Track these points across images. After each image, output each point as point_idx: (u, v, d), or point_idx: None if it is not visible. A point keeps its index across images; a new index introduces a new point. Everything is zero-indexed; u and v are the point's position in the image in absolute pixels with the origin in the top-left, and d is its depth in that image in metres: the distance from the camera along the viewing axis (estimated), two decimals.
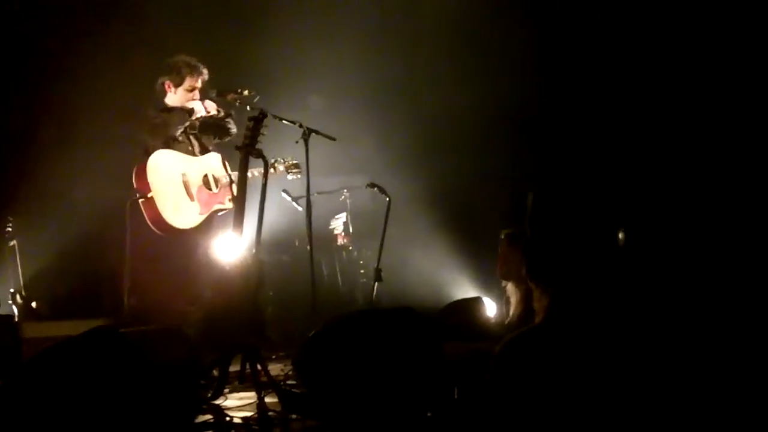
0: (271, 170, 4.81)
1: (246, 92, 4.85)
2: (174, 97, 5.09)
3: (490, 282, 5.62)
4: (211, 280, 4.52)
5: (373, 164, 7.09)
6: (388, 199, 5.59)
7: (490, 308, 4.63)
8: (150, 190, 4.81)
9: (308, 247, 5.08)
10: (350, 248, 7.06)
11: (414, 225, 7.12)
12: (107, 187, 6.22)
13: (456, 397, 3.18)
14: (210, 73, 5.14)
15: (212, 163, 5.13)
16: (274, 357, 5.22)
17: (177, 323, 4.55)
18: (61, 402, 2.88)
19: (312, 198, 5.09)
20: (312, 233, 5.09)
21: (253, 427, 3.45)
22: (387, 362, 3.25)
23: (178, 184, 4.95)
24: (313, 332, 3.61)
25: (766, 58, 5.33)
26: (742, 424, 2.08)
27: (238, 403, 3.90)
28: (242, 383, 4.17)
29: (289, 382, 4.24)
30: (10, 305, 6.02)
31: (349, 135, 6.02)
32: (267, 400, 3.74)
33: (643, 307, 2.24)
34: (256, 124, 4.32)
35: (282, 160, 5.33)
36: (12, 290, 6.06)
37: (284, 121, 4.94)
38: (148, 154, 4.92)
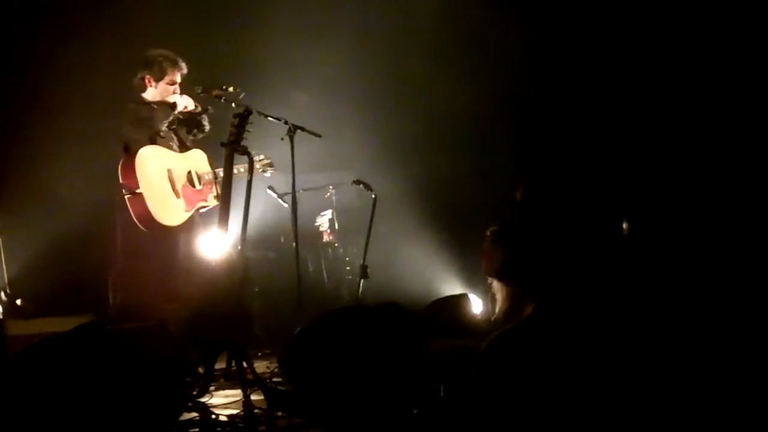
0: (238, 171, 4.77)
1: (231, 89, 4.83)
2: (154, 92, 5.04)
3: (477, 278, 5.64)
4: (196, 277, 4.52)
5: (359, 161, 7.10)
6: (374, 195, 5.60)
7: (476, 305, 4.65)
8: (138, 186, 4.74)
9: (294, 244, 5.08)
10: (336, 245, 7.07)
11: (400, 222, 7.14)
12: (92, 185, 6.20)
13: (442, 394, 3.19)
14: (195, 70, 5.12)
15: (196, 160, 5.11)
16: (259, 354, 5.22)
17: (162, 320, 4.54)
18: (47, 399, 2.87)
19: (298, 195, 5.10)
20: (297, 230, 5.09)
21: (239, 424, 3.45)
22: (372, 359, 3.26)
23: (165, 180, 4.92)
24: (298, 329, 3.61)
25: (762, 48, 5.35)
26: (731, 420, 2.10)
27: (223, 401, 3.90)
28: (228, 380, 4.18)
29: (275, 379, 4.25)
30: None
31: (334, 132, 6.02)
32: (253, 397, 3.74)
33: (629, 303, 2.26)
34: (242, 120, 4.31)
35: (257, 159, 5.27)
36: None
37: (269, 118, 4.93)
38: (129, 149, 4.86)
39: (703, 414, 2.08)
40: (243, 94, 4.81)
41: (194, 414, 3.61)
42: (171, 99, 5.03)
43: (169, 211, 4.87)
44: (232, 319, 4.07)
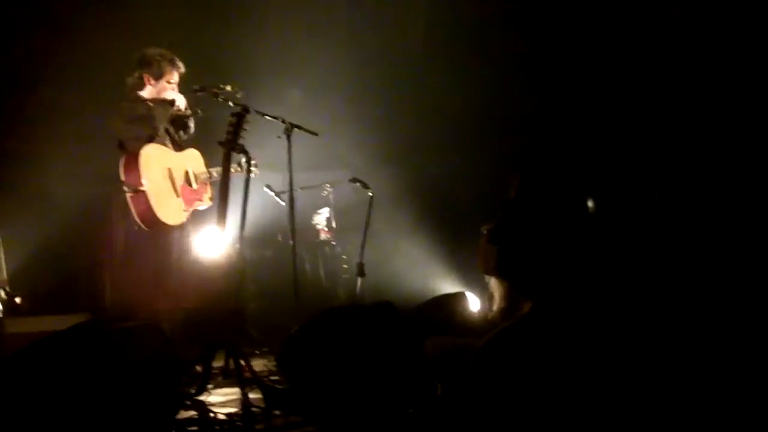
0: (235, 170, 4.76)
1: (228, 87, 4.82)
2: (152, 90, 5.03)
3: (474, 277, 5.64)
4: (193, 275, 4.52)
5: (356, 159, 7.10)
6: (370, 194, 5.60)
7: (474, 303, 4.64)
8: (141, 184, 4.72)
9: (291, 242, 5.08)
10: (333, 243, 7.07)
11: (397, 220, 7.14)
12: (88, 183, 6.21)
13: (439, 393, 3.20)
14: (192, 69, 5.12)
15: (192, 159, 5.11)
16: (257, 352, 5.21)
17: (157, 319, 4.54)
18: (43, 398, 2.87)
19: (294, 193, 5.10)
20: (295, 228, 5.08)
21: (237, 423, 3.46)
22: (369, 358, 3.27)
23: (166, 178, 4.91)
24: (295, 328, 3.61)
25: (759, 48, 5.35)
26: (728, 417, 2.11)
27: (221, 399, 3.90)
28: (226, 379, 4.18)
29: (272, 377, 4.25)
30: None
31: (331, 130, 6.03)
32: (250, 395, 3.74)
33: (624, 300, 2.26)
34: (239, 119, 4.31)
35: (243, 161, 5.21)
36: None
37: (266, 117, 4.93)
38: (125, 147, 4.85)
39: (700, 412, 2.09)
40: (240, 93, 4.81)
41: (192, 412, 3.61)
42: (170, 95, 5.02)
43: (171, 209, 4.87)
44: (228, 318, 4.08)
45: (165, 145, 5.02)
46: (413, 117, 7.25)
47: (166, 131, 5.10)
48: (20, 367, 2.94)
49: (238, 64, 6.61)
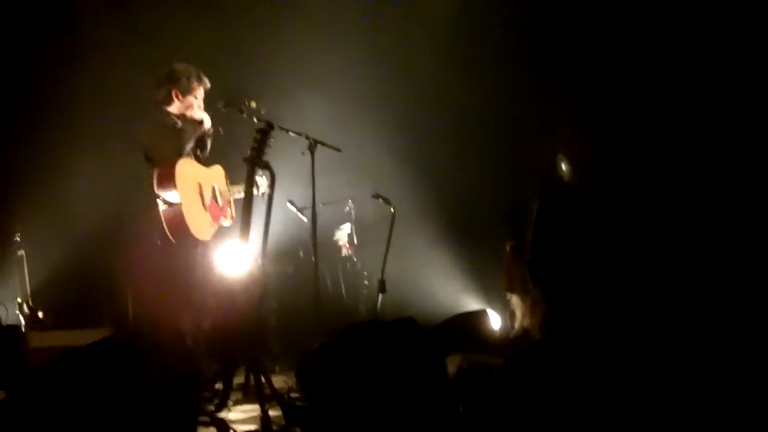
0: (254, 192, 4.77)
1: (253, 104, 4.84)
2: (180, 106, 5.04)
3: (496, 294, 5.62)
4: (216, 291, 4.53)
5: (378, 175, 7.10)
6: (392, 210, 5.59)
7: (495, 321, 4.62)
8: (177, 197, 4.72)
9: (312, 258, 5.07)
10: (354, 259, 7.06)
11: (419, 236, 7.12)
12: (111, 199, 6.26)
13: (461, 412, 3.17)
14: (216, 85, 5.15)
15: (217, 176, 5.13)
16: (277, 369, 5.22)
17: (181, 334, 4.55)
18: (66, 413, 2.88)
19: (317, 209, 5.10)
20: (316, 244, 5.08)
21: None
22: (390, 375, 3.25)
23: (197, 193, 4.92)
24: (316, 344, 3.60)
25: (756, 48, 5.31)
26: None
27: (241, 416, 3.91)
28: (246, 396, 4.18)
29: (292, 394, 4.24)
30: (17, 315, 6.05)
31: (354, 146, 6.03)
32: (271, 412, 3.74)
33: (649, 320, 2.23)
34: (263, 136, 4.34)
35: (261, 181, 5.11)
36: (19, 300, 6.09)
37: (290, 133, 4.94)
38: (154, 161, 4.88)
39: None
40: (264, 109, 4.83)
41: (213, 429, 3.61)
42: (198, 115, 5.03)
43: (201, 224, 4.87)
44: (250, 334, 4.08)
45: (192, 156, 5.05)
46: (436, 132, 7.24)
47: (191, 149, 5.12)
48: (44, 381, 2.95)
49: (262, 79, 6.65)
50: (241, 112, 4.84)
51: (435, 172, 7.21)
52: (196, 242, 4.85)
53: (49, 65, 6.75)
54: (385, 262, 5.48)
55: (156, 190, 4.75)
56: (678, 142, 5.63)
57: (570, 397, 1.98)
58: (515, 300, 4.18)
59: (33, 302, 6.12)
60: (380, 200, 5.70)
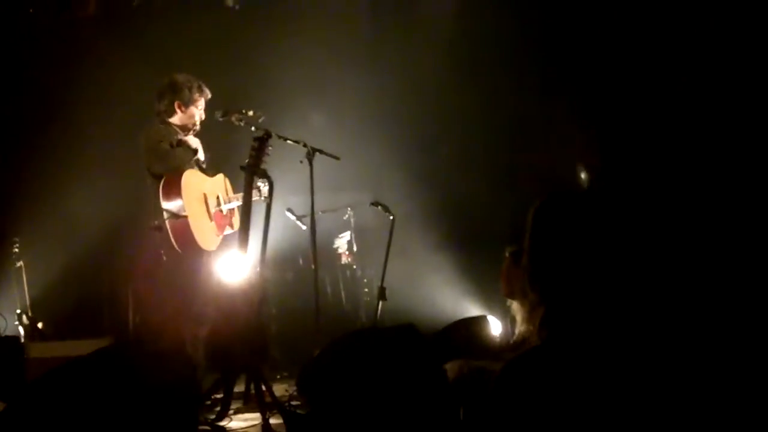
0: (256, 197, 4.77)
1: (251, 113, 4.85)
2: (182, 116, 5.05)
3: (496, 300, 5.61)
4: (216, 299, 4.52)
5: (377, 182, 7.10)
6: (392, 217, 5.59)
7: (496, 327, 4.61)
8: (183, 209, 4.71)
9: (312, 266, 5.07)
10: (354, 267, 7.06)
11: (418, 243, 7.12)
12: (110, 209, 6.26)
13: (461, 417, 3.17)
14: (213, 94, 5.16)
15: (221, 185, 5.13)
16: (278, 377, 5.21)
17: (180, 343, 4.55)
18: (66, 423, 2.87)
19: (316, 216, 5.10)
20: (316, 252, 5.08)
21: None
22: (391, 382, 3.24)
23: (202, 204, 4.92)
24: (316, 352, 3.60)
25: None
26: None
27: (242, 425, 3.90)
28: (247, 404, 4.17)
29: (293, 402, 4.24)
30: (17, 326, 6.05)
31: (352, 153, 6.03)
32: (272, 421, 3.73)
33: (647, 323, 2.23)
34: (261, 144, 4.34)
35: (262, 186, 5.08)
36: (18, 311, 6.08)
37: (288, 141, 4.95)
38: (155, 174, 4.87)
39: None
40: (263, 118, 4.83)
41: None
42: (193, 144, 5.02)
43: (207, 235, 4.87)
44: (250, 342, 4.07)
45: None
46: (435, 138, 7.25)
47: (195, 159, 5.11)
48: (44, 391, 2.95)
49: (260, 88, 6.66)
50: (239, 120, 4.84)
51: (434, 179, 7.21)
52: (202, 252, 4.84)
53: (50, 74, 6.77)
54: (384, 269, 5.48)
55: (161, 202, 4.74)
56: (677, 145, 5.63)
57: (569, 401, 1.98)
58: (515, 306, 4.18)
59: (32, 313, 6.11)
60: (379, 208, 5.70)
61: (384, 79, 7.17)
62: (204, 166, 5.11)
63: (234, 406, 4.12)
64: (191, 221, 4.71)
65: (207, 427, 3.83)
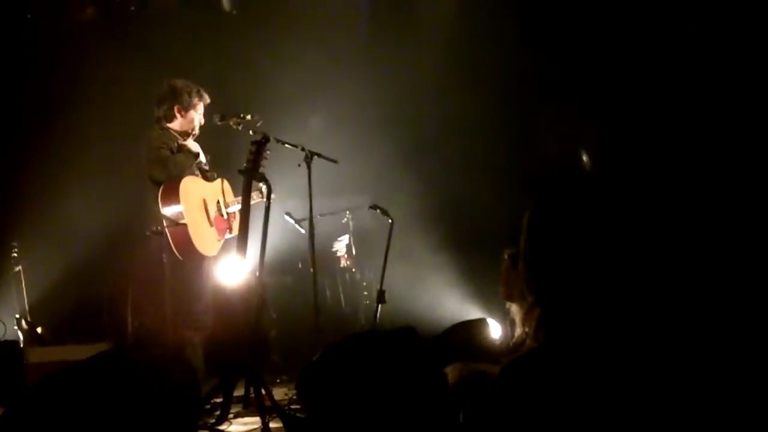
0: (258, 198, 4.78)
1: (249, 117, 4.85)
2: (182, 122, 5.05)
3: (495, 303, 5.61)
4: (215, 303, 4.53)
5: (376, 185, 7.11)
6: (390, 220, 5.59)
7: (495, 330, 4.61)
8: (182, 216, 4.71)
9: (311, 270, 5.08)
10: (353, 270, 7.07)
11: (417, 246, 7.12)
12: (109, 213, 6.26)
13: (461, 420, 3.17)
14: (211, 98, 5.16)
15: (221, 189, 5.13)
16: (278, 381, 5.21)
17: (179, 347, 4.55)
18: (65, 428, 2.87)
19: (314, 220, 5.11)
20: (315, 255, 5.09)
21: None
22: (390, 385, 3.24)
23: (202, 210, 4.91)
24: (315, 355, 3.60)
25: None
26: None
27: (242, 429, 3.90)
28: (246, 408, 4.17)
29: (293, 406, 4.24)
30: (16, 330, 6.04)
31: (351, 156, 6.04)
32: (271, 425, 3.73)
33: (645, 326, 2.23)
34: (259, 148, 4.34)
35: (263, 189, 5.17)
36: (17, 315, 6.08)
37: (286, 145, 4.95)
38: (155, 180, 4.87)
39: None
40: (260, 121, 4.84)
41: None
42: (193, 148, 5.03)
43: (207, 240, 4.87)
44: (249, 346, 4.07)
45: (195, 175, 5.04)
46: (432, 142, 7.25)
47: (196, 164, 5.11)
48: (43, 396, 2.95)
49: (258, 92, 6.67)
50: (237, 124, 4.85)
51: (432, 182, 7.22)
52: (202, 258, 4.85)
53: (48, 78, 6.77)
54: (383, 273, 5.47)
55: (160, 207, 4.74)
56: (675, 146, 5.64)
57: (567, 403, 1.98)
58: (515, 308, 4.18)
59: (31, 317, 6.10)
60: (378, 211, 5.70)
61: (382, 82, 7.17)
62: (207, 167, 5.12)
63: (233, 409, 4.12)
64: (191, 228, 4.72)
65: (206, 431, 3.83)
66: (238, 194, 4.94)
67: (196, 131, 5.08)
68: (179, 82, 5.04)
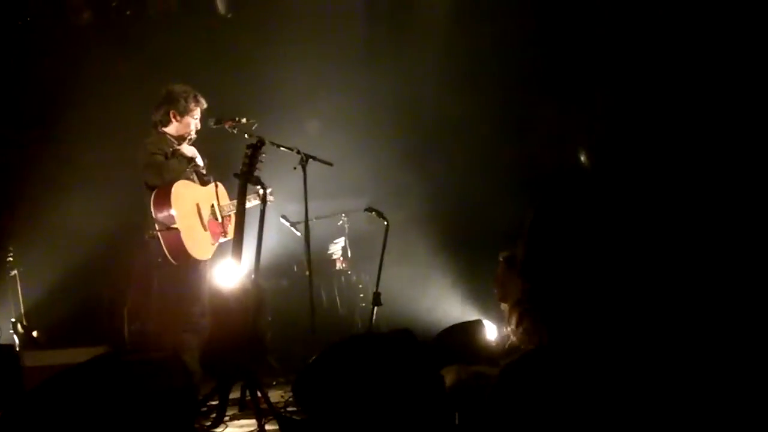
0: (255, 201, 4.79)
1: (244, 120, 4.87)
2: (178, 126, 5.06)
3: (491, 304, 5.62)
4: (211, 306, 4.53)
5: (371, 188, 7.11)
6: (386, 222, 5.60)
7: (491, 331, 4.63)
8: (173, 221, 4.74)
9: (307, 272, 5.09)
10: (349, 272, 7.07)
11: (413, 248, 7.12)
12: (106, 217, 6.25)
13: (457, 422, 3.18)
14: (208, 101, 5.17)
15: (215, 193, 5.14)
16: (274, 383, 5.21)
17: (176, 350, 4.55)
18: (62, 431, 2.88)
19: (310, 223, 5.11)
20: (311, 258, 5.10)
21: None
22: (386, 387, 3.26)
23: (195, 215, 4.93)
24: (312, 358, 3.61)
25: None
26: None
27: (238, 431, 3.89)
28: (242, 410, 4.17)
29: (289, 408, 4.24)
30: (11, 334, 6.04)
31: (346, 159, 6.05)
32: (267, 427, 3.74)
33: (645, 328, 2.24)
34: (254, 151, 4.35)
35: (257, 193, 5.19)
36: (13, 319, 6.07)
37: (282, 148, 4.96)
38: (150, 186, 4.88)
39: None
40: (256, 125, 4.85)
41: None
42: (188, 152, 5.04)
43: (200, 245, 4.89)
44: (246, 349, 4.08)
45: (191, 180, 5.05)
46: (429, 144, 7.26)
47: (192, 168, 5.12)
48: (40, 400, 2.95)
49: (253, 96, 6.67)
50: (232, 128, 4.86)
51: (428, 184, 7.23)
52: (196, 262, 4.86)
53: (44, 82, 6.77)
54: (379, 275, 5.48)
55: (153, 213, 4.76)
56: (674, 146, 5.64)
57: (566, 405, 1.99)
58: (510, 310, 4.19)
59: (27, 321, 6.10)
60: (373, 213, 5.71)
61: (377, 84, 7.18)
62: (204, 171, 5.13)
63: (230, 412, 4.13)
64: (183, 233, 4.75)
65: None
66: (235, 197, 4.95)
67: (193, 136, 5.10)
68: (177, 87, 5.06)
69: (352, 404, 3.26)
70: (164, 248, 4.71)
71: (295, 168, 5.00)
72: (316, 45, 7.12)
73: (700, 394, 2.10)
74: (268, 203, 5.23)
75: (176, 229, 4.71)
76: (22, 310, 6.13)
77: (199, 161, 5.09)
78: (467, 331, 4.41)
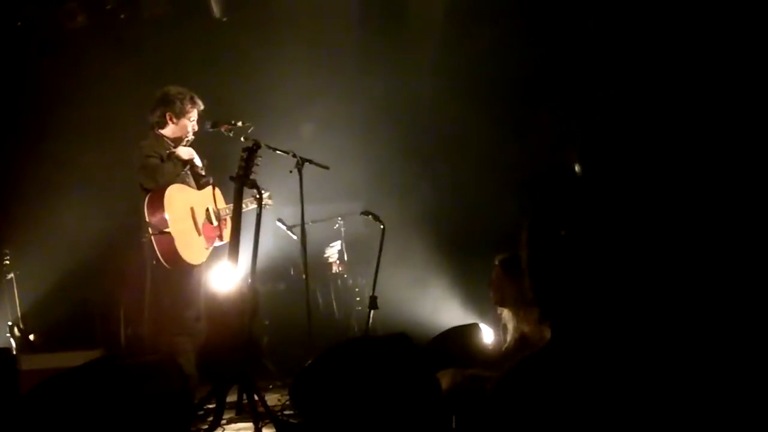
0: (247, 205, 4.79)
1: (240, 123, 4.87)
2: (174, 128, 5.06)
3: (487, 308, 5.62)
4: (207, 310, 4.53)
5: (367, 192, 7.12)
6: (382, 226, 5.60)
7: (488, 335, 4.63)
8: (166, 225, 4.73)
9: (303, 276, 5.09)
10: (345, 276, 7.07)
11: (409, 251, 7.13)
12: (102, 220, 6.25)
13: (454, 426, 3.18)
14: (204, 104, 5.17)
15: (211, 196, 5.13)
16: (270, 387, 5.21)
17: (172, 354, 4.55)
18: None
19: (306, 226, 5.11)
20: (307, 261, 5.10)
21: None
22: (383, 391, 3.26)
23: (189, 219, 4.93)
24: (308, 361, 3.61)
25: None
26: None
27: None
28: (239, 414, 4.17)
29: (286, 412, 4.24)
30: (8, 337, 6.03)
31: (342, 162, 6.05)
32: (264, 431, 3.73)
33: (647, 334, 2.24)
34: (250, 154, 4.35)
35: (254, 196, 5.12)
36: (10, 323, 6.07)
37: (278, 151, 4.96)
38: (145, 189, 4.88)
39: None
40: (252, 128, 4.85)
41: None
42: (186, 154, 5.04)
43: (194, 249, 4.88)
44: (242, 352, 4.08)
45: (186, 183, 5.05)
46: (425, 147, 7.27)
47: (188, 170, 5.11)
48: (36, 403, 2.95)
49: (249, 99, 6.68)
50: (228, 131, 4.86)
51: (424, 188, 7.23)
52: (190, 266, 4.85)
53: (40, 85, 6.77)
54: (375, 279, 5.48)
55: (146, 217, 4.76)
56: (671, 150, 5.64)
57: (568, 408, 1.99)
58: (507, 314, 4.19)
59: (24, 325, 6.09)
60: (369, 217, 5.71)
61: (373, 88, 7.19)
62: (203, 172, 5.12)
63: (226, 416, 4.12)
64: (176, 237, 4.75)
65: None
66: (231, 201, 4.95)
67: (190, 138, 5.09)
68: (172, 89, 5.06)
69: (348, 408, 3.26)
70: (157, 252, 4.71)
71: (291, 171, 5.00)
72: (312, 48, 7.13)
73: (701, 394, 2.11)
74: (265, 207, 5.24)
75: (169, 233, 4.71)
76: (19, 313, 6.12)
77: (198, 162, 5.08)
78: (463, 334, 4.41)
